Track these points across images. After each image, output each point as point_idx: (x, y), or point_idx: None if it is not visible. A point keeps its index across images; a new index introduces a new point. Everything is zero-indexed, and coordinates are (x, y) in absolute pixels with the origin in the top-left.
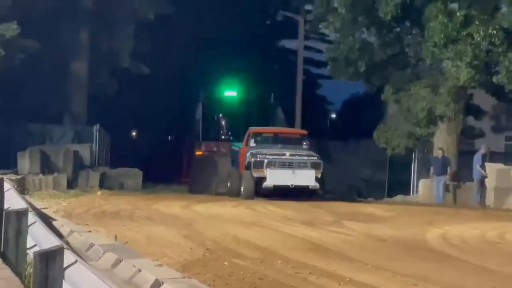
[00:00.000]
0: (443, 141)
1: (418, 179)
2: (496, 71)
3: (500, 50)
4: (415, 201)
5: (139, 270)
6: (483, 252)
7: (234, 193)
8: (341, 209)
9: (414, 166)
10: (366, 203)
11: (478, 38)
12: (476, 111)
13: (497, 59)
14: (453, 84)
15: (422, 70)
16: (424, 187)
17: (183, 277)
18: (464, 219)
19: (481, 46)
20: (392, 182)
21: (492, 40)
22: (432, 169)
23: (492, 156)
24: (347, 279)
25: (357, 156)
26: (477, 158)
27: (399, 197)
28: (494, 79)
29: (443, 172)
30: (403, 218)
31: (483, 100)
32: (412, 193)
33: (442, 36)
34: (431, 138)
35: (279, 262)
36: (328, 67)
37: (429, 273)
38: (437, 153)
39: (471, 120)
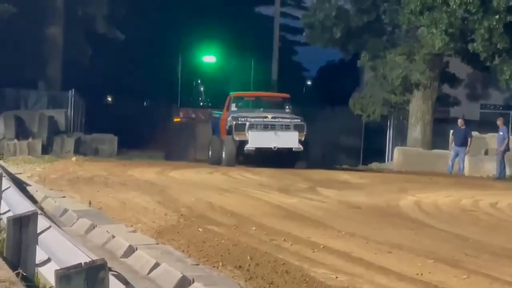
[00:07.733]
0: (418, 108)
1: (393, 147)
2: (471, 39)
3: (475, 18)
4: (390, 168)
5: (113, 236)
6: (457, 220)
7: (216, 161)
8: (316, 176)
9: (389, 133)
10: (341, 170)
11: (454, 6)
12: (451, 79)
13: (472, 27)
14: (428, 52)
15: (398, 37)
16: (399, 155)
17: (157, 243)
18: (438, 187)
19: (457, 14)
20: (367, 149)
21: (468, 8)
22: (451, 138)
23: (467, 124)
24: (321, 246)
25: (333, 123)
26: None
27: (374, 165)
28: (470, 47)
29: (463, 143)
30: (378, 185)
31: (459, 68)
32: (387, 160)
33: (418, 3)
34: (406, 105)
35: (254, 228)
36: (304, 33)
37: (403, 241)
38: (459, 123)
39: (446, 88)
